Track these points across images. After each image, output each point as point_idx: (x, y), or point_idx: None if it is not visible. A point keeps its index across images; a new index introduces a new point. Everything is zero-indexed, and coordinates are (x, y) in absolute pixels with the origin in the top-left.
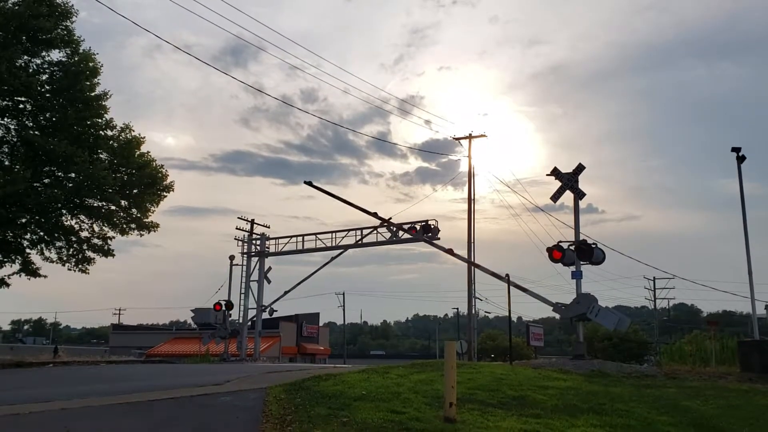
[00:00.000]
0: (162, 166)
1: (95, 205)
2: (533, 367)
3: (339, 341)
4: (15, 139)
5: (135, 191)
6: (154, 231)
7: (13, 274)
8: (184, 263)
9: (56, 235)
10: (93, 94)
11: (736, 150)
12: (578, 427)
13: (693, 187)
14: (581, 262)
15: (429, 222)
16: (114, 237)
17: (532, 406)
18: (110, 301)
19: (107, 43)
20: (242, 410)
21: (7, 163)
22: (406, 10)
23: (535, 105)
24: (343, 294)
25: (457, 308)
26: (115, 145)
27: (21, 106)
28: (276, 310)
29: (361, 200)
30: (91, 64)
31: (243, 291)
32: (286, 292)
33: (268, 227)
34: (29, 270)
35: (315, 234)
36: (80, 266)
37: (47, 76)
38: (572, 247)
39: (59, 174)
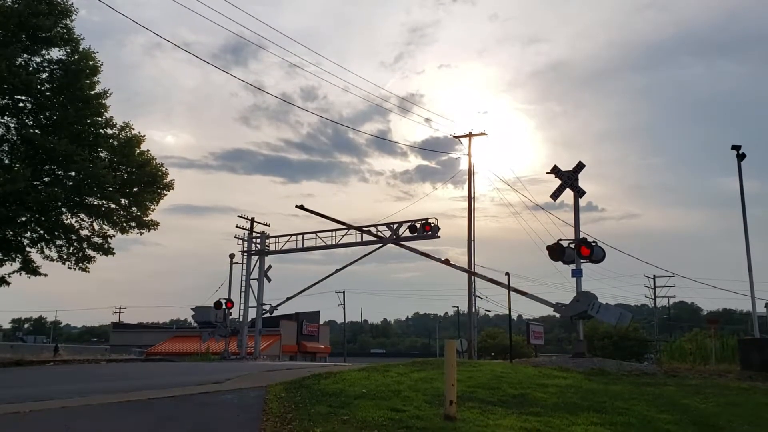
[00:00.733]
0: (162, 164)
1: (95, 203)
2: (533, 366)
3: (339, 339)
4: (15, 138)
5: (135, 189)
6: (154, 229)
7: (13, 272)
8: (184, 262)
9: (56, 233)
10: (93, 92)
11: (736, 148)
12: (578, 425)
13: (693, 185)
14: (581, 260)
15: (429, 220)
16: (114, 235)
17: (532, 405)
18: (110, 299)
19: (107, 42)
20: (242, 408)
21: (7, 161)
22: (406, 9)
23: (535, 103)
24: (344, 292)
25: (458, 306)
26: (115, 143)
27: (21, 104)
28: (276, 309)
29: (361, 199)
30: (91, 63)
31: (243, 289)
32: (288, 298)
33: (268, 225)
34: (29, 268)
35: (315, 232)
36: (80, 265)
37: (47, 74)
38: (572, 245)
39: (59, 172)
